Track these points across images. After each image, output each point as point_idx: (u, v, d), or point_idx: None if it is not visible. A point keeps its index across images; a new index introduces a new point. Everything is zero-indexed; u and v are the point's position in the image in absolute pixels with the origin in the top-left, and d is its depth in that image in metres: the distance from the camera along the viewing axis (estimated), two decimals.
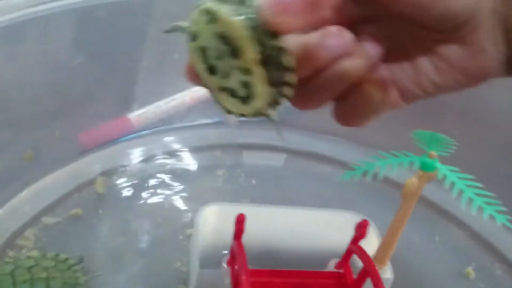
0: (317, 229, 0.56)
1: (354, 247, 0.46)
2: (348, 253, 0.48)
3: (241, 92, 0.27)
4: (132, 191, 0.62)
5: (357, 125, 0.28)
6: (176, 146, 0.69)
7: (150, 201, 0.61)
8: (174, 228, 0.57)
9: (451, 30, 0.25)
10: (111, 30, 0.64)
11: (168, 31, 0.29)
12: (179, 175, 0.66)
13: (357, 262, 0.53)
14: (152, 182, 0.63)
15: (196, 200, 0.61)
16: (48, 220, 0.55)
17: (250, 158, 0.70)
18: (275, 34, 0.25)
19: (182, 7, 0.31)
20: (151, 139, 0.70)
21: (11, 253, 0.51)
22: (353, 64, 0.25)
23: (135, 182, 0.63)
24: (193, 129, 0.73)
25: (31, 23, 0.57)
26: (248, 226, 0.43)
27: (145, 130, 0.70)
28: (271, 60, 0.25)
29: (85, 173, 0.61)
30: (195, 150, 0.69)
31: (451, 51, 0.26)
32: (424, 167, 0.41)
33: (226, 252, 0.48)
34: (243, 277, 0.39)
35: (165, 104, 0.72)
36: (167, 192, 0.63)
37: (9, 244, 0.52)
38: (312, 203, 0.63)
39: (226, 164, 0.67)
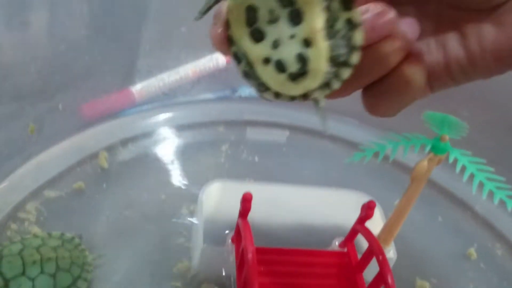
0: (321, 207, 0.56)
1: (360, 227, 0.46)
2: (353, 232, 0.48)
3: (293, 67, 0.22)
4: (135, 166, 0.61)
5: (390, 115, 0.25)
6: (179, 121, 0.68)
7: (153, 176, 0.60)
8: (177, 204, 0.57)
9: (488, 8, 0.24)
10: (115, 2, 0.62)
11: (204, 12, 0.24)
12: (182, 150, 0.65)
13: (360, 242, 0.53)
14: (155, 157, 0.63)
15: (199, 176, 0.60)
16: (50, 194, 0.55)
17: (254, 134, 0.69)
18: (349, 3, 0.22)
19: None
20: (154, 113, 0.69)
21: (13, 226, 0.50)
22: (394, 47, 0.23)
23: (138, 156, 0.62)
24: (196, 104, 0.72)
25: None
26: (252, 204, 0.43)
27: (148, 104, 0.69)
28: (338, 34, 0.22)
29: (87, 147, 0.61)
30: (198, 125, 0.69)
31: (485, 32, 0.24)
32: (436, 150, 0.40)
33: (229, 230, 0.48)
34: (250, 255, 0.39)
35: (168, 77, 0.71)
36: (170, 167, 0.62)
37: (11, 216, 0.52)
38: (315, 181, 0.63)
39: (229, 140, 0.66)
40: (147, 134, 0.66)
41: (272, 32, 0.22)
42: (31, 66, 0.56)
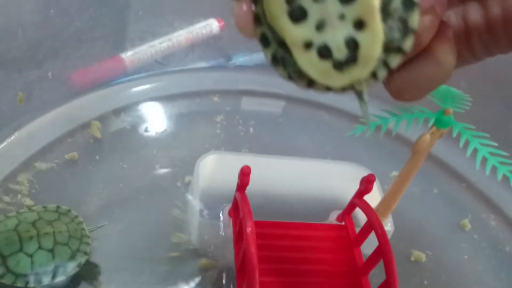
0: (318, 180, 0.55)
1: (358, 201, 0.45)
2: (351, 206, 0.47)
3: (340, 53, 0.19)
4: (128, 136, 0.60)
5: (416, 99, 0.23)
6: (173, 90, 0.67)
7: (146, 147, 0.59)
8: (172, 175, 0.56)
9: None
10: None
11: None
12: (176, 120, 0.64)
13: (355, 214, 0.53)
14: (149, 127, 0.61)
15: (194, 147, 0.59)
16: (41, 165, 0.53)
17: (249, 105, 0.68)
18: None
19: None
20: (147, 82, 0.67)
21: (6, 198, 0.49)
22: (427, 22, 0.21)
23: (131, 126, 0.61)
24: (190, 72, 0.70)
25: None
26: None
27: (140, 73, 0.67)
28: (393, 15, 0.19)
29: (79, 117, 0.59)
30: (192, 95, 0.67)
31: None
32: (439, 124, 0.39)
33: (226, 204, 0.48)
34: (249, 229, 0.39)
35: (159, 44, 0.69)
36: (164, 138, 0.61)
37: (3, 188, 0.50)
38: (311, 153, 0.62)
39: (224, 111, 0.65)
40: (140, 104, 0.64)
41: (316, 11, 0.19)
42: (18, 32, 0.54)
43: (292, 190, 0.55)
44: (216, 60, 0.72)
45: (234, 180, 0.43)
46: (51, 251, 0.42)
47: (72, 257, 0.43)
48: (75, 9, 0.59)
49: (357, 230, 0.46)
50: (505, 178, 0.39)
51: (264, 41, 0.21)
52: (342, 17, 0.19)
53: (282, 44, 0.20)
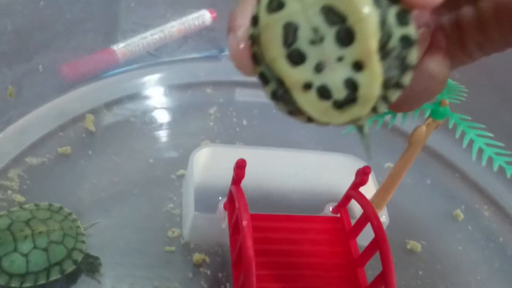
0: (313, 172, 0.55)
1: (354, 193, 0.45)
2: (347, 198, 0.47)
3: (340, 93, 0.19)
4: (120, 130, 0.59)
5: (414, 109, 0.24)
6: (165, 82, 0.66)
7: (139, 140, 0.58)
8: (166, 168, 0.55)
9: None
10: None
11: None
12: (169, 113, 0.63)
13: (352, 207, 0.53)
14: (141, 120, 0.61)
15: (188, 140, 0.59)
16: (32, 160, 0.53)
17: (243, 96, 0.67)
18: (406, 17, 0.19)
19: None
20: (139, 74, 0.66)
21: None
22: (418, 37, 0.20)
23: (124, 120, 0.60)
24: (182, 64, 0.69)
25: None
26: None
27: (132, 65, 0.66)
28: (392, 53, 0.19)
29: (70, 110, 0.58)
30: (185, 86, 0.66)
31: None
32: (435, 115, 0.39)
33: (221, 197, 0.47)
34: (245, 223, 0.39)
35: (151, 35, 0.68)
36: (157, 131, 0.60)
37: None
38: (305, 144, 0.62)
39: (218, 102, 0.64)
40: (133, 96, 0.63)
41: (314, 54, 0.19)
42: (7, 24, 0.53)
43: (287, 182, 0.54)
44: (209, 51, 0.71)
45: (228, 173, 0.43)
46: (45, 250, 0.42)
47: (68, 255, 0.43)
48: (66, 1, 0.58)
49: (353, 222, 0.46)
50: (500, 169, 0.39)
51: (263, 79, 0.21)
52: (340, 59, 0.19)
53: (282, 82, 0.20)
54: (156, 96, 0.65)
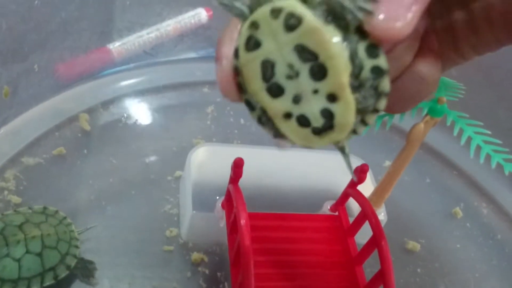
0: (311, 171, 0.55)
1: (352, 191, 0.45)
2: (345, 196, 0.47)
3: (317, 122, 0.21)
4: (116, 130, 0.58)
5: (407, 110, 0.24)
6: (162, 81, 0.65)
7: (136, 140, 0.58)
8: (162, 169, 0.55)
9: None
10: None
11: (222, 3, 0.22)
12: (166, 112, 0.63)
13: (350, 205, 0.53)
14: (138, 120, 0.60)
15: (185, 139, 0.58)
16: (29, 160, 0.52)
17: None
18: (375, 50, 0.20)
19: None
20: (136, 74, 0.65)
21: None
22: (406, 44, 0.21)
23: (120, 119, 0.60)
24: (179, 63, 0.69)
25: None
26: None
27: (128, 64, 0.65)
28: (365, 84, 0.20)
29: (66, 110, 0.58)
30: (182, 86, 0.66)
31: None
32: (433, 113, 0.39)
33: (219, 196, 0.47)
34: (243, 222, 0.38)
35: (147, 34, 0.68)
36: (154, 130, 0.60)
37: None
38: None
39: (215, 102, 0.64)
40: (129, 96, 0.63)
41: (292, 87, 0.21)
42: (2, 23, 0.52)
43: (285, 181, 0.54)
44: (206, 50, 0.71)
45: (226, 172, 0.43)
46: (39, 255, 0.41)
47: (61, 260, 0.42)
48: (61, 0, 0.57)
49: (351, 220, 0.46)
50: (499, 166, 0.39)
51: (249, 106, 0.23)
52: (315, 91, 0.20)
53: (265, 111, 0.22)
54: (152, 95, 0.64)
